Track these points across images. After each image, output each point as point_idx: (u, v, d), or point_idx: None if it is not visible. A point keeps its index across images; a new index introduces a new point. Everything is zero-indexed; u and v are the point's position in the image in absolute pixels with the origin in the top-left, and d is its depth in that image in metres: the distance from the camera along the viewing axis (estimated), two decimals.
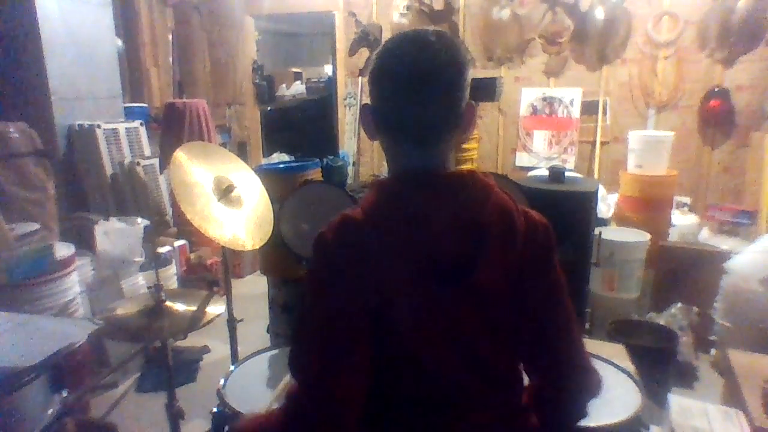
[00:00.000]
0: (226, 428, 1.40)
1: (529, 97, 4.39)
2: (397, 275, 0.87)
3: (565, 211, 2.27)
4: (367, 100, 0.99)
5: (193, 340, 3.11)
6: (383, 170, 0.98)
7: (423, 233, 0.87)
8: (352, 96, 5.00)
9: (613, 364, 1.56)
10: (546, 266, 0.96)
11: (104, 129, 3.49)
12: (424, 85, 0.88)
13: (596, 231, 2.54)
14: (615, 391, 1.43)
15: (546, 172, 2.57)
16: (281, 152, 5.64)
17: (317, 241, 0.91)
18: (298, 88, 6.93)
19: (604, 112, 4.18)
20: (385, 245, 0.87)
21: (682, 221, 3.64)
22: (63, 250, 2.65)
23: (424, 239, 0.87)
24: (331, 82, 5.95)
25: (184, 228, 3.88)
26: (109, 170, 3.52)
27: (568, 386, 1.00)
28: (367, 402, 0.91)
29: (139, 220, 3.30)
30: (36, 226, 2.84)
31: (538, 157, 4.41)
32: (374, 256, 0.87)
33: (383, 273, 0.87)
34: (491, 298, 0.91)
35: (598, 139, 4.20)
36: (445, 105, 0.90)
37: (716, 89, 3.79)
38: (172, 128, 3.81)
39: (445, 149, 0.94)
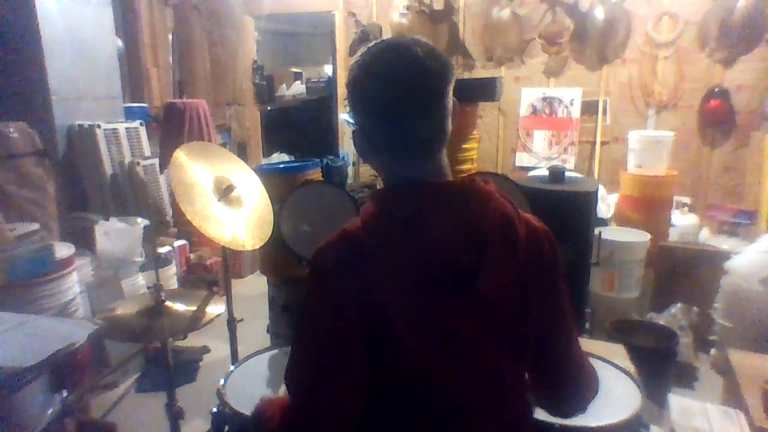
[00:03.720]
0: (226, 428, 1.40)
1: (529, 97, 4.39)
2: (399, 287, 0.86)
3: (565, 211, 2.27)
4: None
5: (193, 340, 3.11)
6: None
7: (424, 244, 0.86)
8: None
9: (613, 364, 1.56)
10: (551, 275, 0.96)
11: (104, 129, 3.49)
12: (419, 102, 0.88)
13: (596, 231, 2.54)
14: (615, 391, 1.43)
15: (546, 172, 2.57)
16: (281, 152, 5.63)
17: (315, 258, 0.90)
18: (298, 88, 6.92)
19: (604, 112, 4.18)
20: (387, 258, 0.86)
21: (682, 221, 3.64)
22: (63, 250, 2.65)
23: (425, 249, 0.86)
24: (331, 82, 5.95)
25: (184, 228, 3.88)
26: (109, 170, 3.52)
27: (568, 389, 1.02)
28: (372, 415, 0.91)
29: (139, 220, 3.30)
30: (36, 226, 2.84)
31: (538, 157, 4.41)
32: (375, 271, 0.86)
33: (385, 286, 0.86)
34: (495, 306, 0.90)
35: (598, 139, 4.21)
36: (439, 116, 0.90)
37: (716, 89, 3.79)
38: (172, 128, 3.81)
39: (442, 157, 0.94)
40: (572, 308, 1.00)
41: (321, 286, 0.90)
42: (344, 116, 0.98)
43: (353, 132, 0.96)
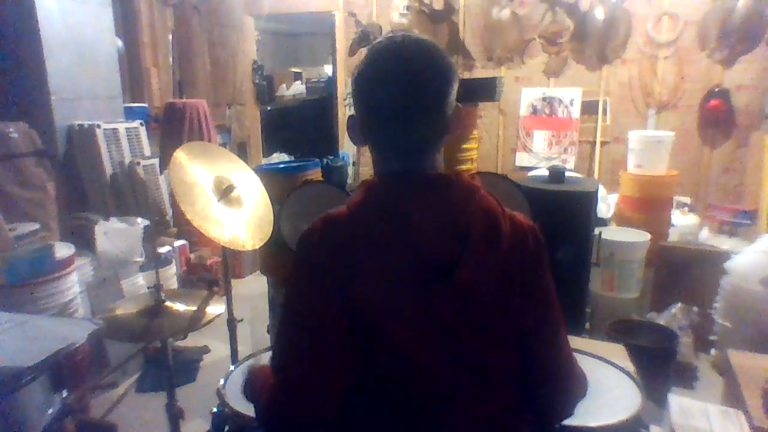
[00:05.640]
0: (226, 428, 1.40)
1: (529, 97, 4.39)
2: (379, 273, 0.87)
3: (565, 211, 2.27)
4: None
5: (193, 340, 3.11)
6: None
7: (405, 232, 0.88)
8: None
9: (613, 364, 1.56)
10: (535, 271, 0.96)
11: (104, 129, 3.49)
12: (411, 106, 0.89)
13: (596, 231, 2.54)
14: (615, 391, 1.43)
15: (546, 172, 2.57)
16: (281, 152, 5.64)
17: (301, 239, 0.92)
18: (298, 88, 6.93)
19: (604, 112, 4.18)
20: (368, 243, 0.88)
21: (682, 221, 3.64)
22: (63, 250, 2.65)
23: (406, 238, 0.88)
24: (331, 82, 5.95)
25: (184, 228, 3.87)
26: (109, 170, 3.52)
27: (554, 389, 1.01)
28: (355, 401, 0.91)
29: (139, 220, 3.30)
30: (36, 226, 2.84)
31: (538, 157, 4.41)
32: (357, 255, 0.88)
33: (366, 271, 0.87)
34: (475, 298, 0.91)
35: (598, 139, 4.21)
36: (432, 120, 0.92)
37: (716, 89, 3.79)
38: (172, 128, 3.81)
39: (433, 153, 0.95)
40: (561, 307, 1.00)
41: (300, 269, 0.92)
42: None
43: (349, 117, 0.98)
